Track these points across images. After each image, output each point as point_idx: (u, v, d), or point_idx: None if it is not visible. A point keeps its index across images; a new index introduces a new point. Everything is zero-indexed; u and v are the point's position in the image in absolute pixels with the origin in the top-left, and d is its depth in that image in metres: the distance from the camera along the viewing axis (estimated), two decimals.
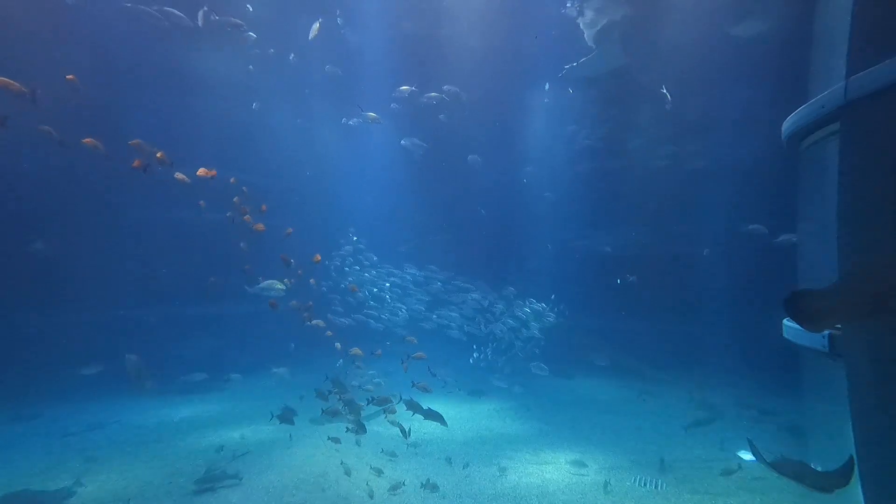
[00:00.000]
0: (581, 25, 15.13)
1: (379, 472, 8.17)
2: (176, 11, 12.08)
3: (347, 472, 8.05)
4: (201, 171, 8.40)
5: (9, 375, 12.66)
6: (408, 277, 17.47)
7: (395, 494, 7.48)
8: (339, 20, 15.94)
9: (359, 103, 15.36)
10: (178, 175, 8.69)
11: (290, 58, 13.36)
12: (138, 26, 13.84)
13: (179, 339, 16.26)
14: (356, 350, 9.98)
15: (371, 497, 7.33)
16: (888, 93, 3.05)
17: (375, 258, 18.19)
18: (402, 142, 16.04)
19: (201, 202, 11.75)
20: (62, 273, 14.56)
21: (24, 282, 13.97)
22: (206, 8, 12.33)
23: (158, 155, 7.95)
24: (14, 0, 12.88)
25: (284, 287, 11.34)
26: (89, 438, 10.30)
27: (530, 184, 20.69)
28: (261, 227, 9.99)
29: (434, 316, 16.00)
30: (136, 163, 7.77)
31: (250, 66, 15.05)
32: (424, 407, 8.43)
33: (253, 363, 16.59)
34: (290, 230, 9.92)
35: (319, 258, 9.74)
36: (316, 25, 12.49)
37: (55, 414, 12.12)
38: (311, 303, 11.14)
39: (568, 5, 14.87)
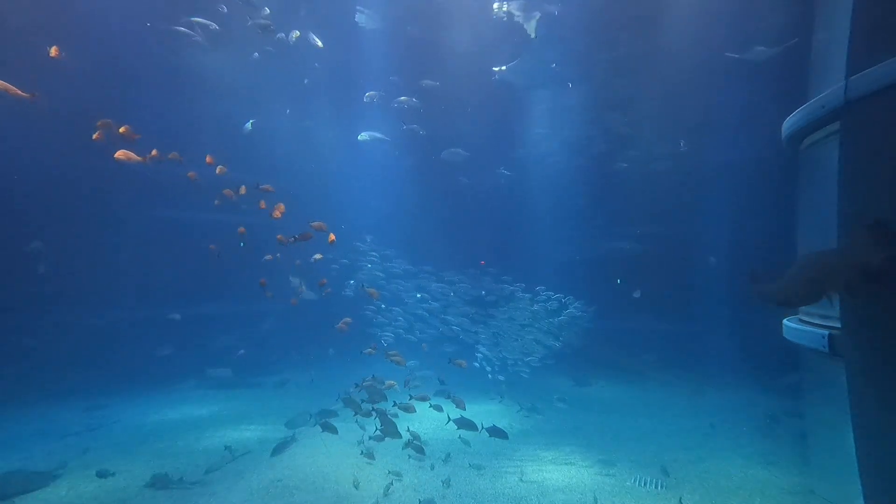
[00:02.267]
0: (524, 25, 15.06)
1: (397, 476, 8.10)
2: (203, 20, 11.92)
3: (356, 484, 7.80)
4: (120, 154, 7.48)
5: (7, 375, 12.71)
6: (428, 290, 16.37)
7: (392, 494, 7.46)
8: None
9: (405, 121, 15.32)
10: (120, 154, 7.55)
11: (293, 36, 12.71)
12: (139, 26, 13.86)
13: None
14: (397, 358, 9.26)
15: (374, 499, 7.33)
16: (888, 93, 3.05)
17: (407, 266, 17.18)
18: (360, 136, 15.83)
19: (191, 173, 10.84)
20: (60, 275, 14.63)
21: (25, 284, 14.08)
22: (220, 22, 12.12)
23: (122, 130, 7.40)
24: (14, 0, 12.87)
25: (304, 289, 11.08)
26: (89, 438, 10.29)
27: (526, 184, 20.65)
28: (277, 213, 9.28)
29: (475, 332, 15.21)
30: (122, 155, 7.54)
31: (255, 54, 14.73)
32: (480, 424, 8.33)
33: (250, 363, 16.64)
34: (325, 225, 8.95)
35: (334, 237, 8.79)
36: (295, 34, 12.41)
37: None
38: (324, 280, 10.59)
39: (495, 6, 14.75)
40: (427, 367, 13.16)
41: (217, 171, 9.64)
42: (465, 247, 20.76)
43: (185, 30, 12.26)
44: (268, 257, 11.61)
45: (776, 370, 12.31)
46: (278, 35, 12.42)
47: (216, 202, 10.03)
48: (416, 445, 8.00)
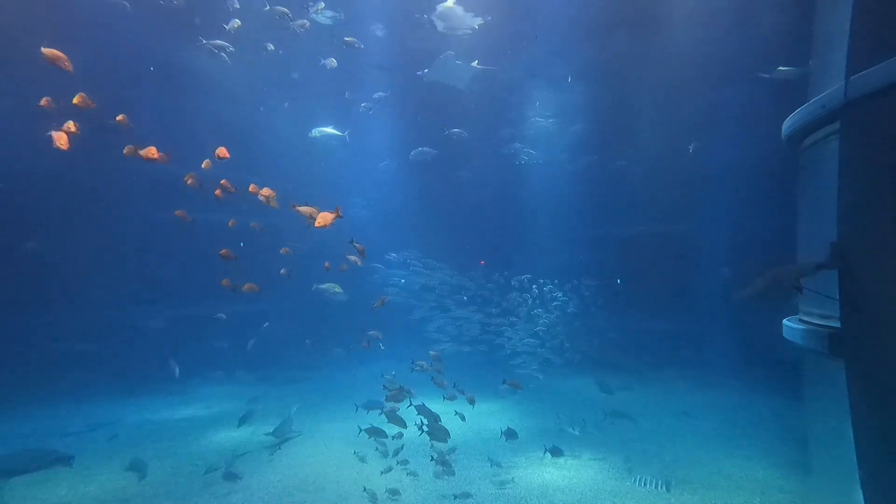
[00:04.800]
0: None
1: (414, 475, 8.07)
2: (233, 23, 11.57)
3: (366, 490, 7.52)
4: (55, 134, 7.00)
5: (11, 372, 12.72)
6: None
7: (398, 493, 7.45)
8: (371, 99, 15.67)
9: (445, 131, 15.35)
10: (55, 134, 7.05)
11: (318, 7, 12.12)
12: (139, 26, 13.84)
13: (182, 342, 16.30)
14: (439, 380, 8.96)
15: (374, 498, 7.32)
16: (888, 93, 3.05)
17: (453, 271, 16.91)
18: (313, 132, 15.62)
19: (160, 155, 10.24)
20: (64, 274, 14.65)
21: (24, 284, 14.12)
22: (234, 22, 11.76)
23: (76, 100, 6.98)
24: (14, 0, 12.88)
25: (342, 292, 10.85)
26: (89, 438, 10.31)
27: (522, 184, 20.68)
28: (305, 211, 8.60)
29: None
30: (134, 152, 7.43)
31: (270, 45, 14.52)
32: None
33: (260, 361, 16.68)
34: (361, 248, 7.74)
35: (340, 209, 7.77)
36: (314, 13, 12.05)
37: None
38: (328, 264, 10.22)
39: (425, 16, 14.54)
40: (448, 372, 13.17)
41: (203, 166, 9.25)
42: (465, 247, 20.79)
43: (221, 42, 11.91)
44: (286, 251, 11.12)
45: (776, 370, 12.31)
46: (292, 27, 11.98)
47: (188, 181, 9.35)
48: (444, 461, 7.79)
